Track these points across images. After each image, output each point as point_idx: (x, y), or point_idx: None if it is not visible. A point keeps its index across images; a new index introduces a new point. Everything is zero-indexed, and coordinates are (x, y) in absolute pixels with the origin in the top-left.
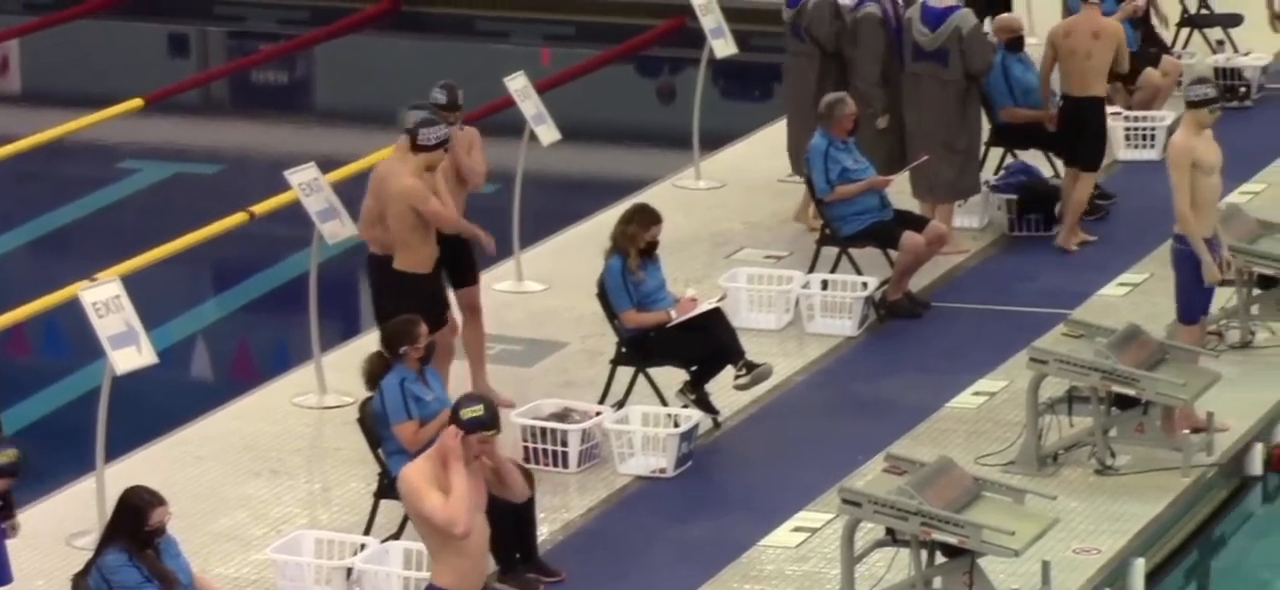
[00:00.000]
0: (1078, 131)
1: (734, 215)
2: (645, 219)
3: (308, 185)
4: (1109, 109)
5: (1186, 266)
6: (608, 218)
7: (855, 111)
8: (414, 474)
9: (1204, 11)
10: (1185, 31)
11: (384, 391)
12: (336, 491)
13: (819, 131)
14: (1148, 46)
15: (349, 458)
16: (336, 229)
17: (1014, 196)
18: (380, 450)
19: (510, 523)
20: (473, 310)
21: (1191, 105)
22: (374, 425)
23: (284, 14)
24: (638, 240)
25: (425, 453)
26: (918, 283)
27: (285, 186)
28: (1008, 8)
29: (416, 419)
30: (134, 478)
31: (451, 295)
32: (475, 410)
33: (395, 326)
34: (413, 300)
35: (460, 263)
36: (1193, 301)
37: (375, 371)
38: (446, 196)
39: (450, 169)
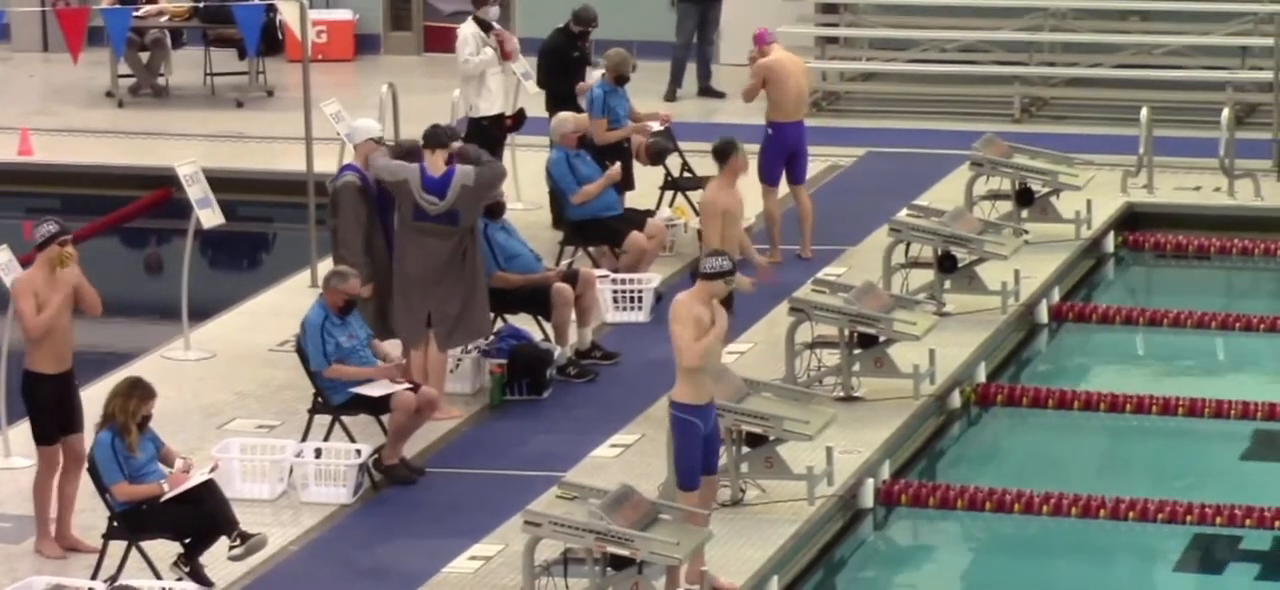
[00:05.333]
0: None
1: (224, 385)
2: (144, 393)
3: None
4: (597, 272)
5: (682, 433)
6: (97, 391)
7: (350, 288)
8: None
9: (687, 175)
10: (669, 194)
11: None
12: None
13: (317, 303)
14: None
15: None
16: None
17: (504, 361)
18: None
19: None
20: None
21: (706, 277)
22: None
23: None
24: (138, 414)
25: None
26: (412, 448)
27: None
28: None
29: None
30: None
31: None
32: None
33: None
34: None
35: None
36: (691, 466)
37: None
38: None
39: None
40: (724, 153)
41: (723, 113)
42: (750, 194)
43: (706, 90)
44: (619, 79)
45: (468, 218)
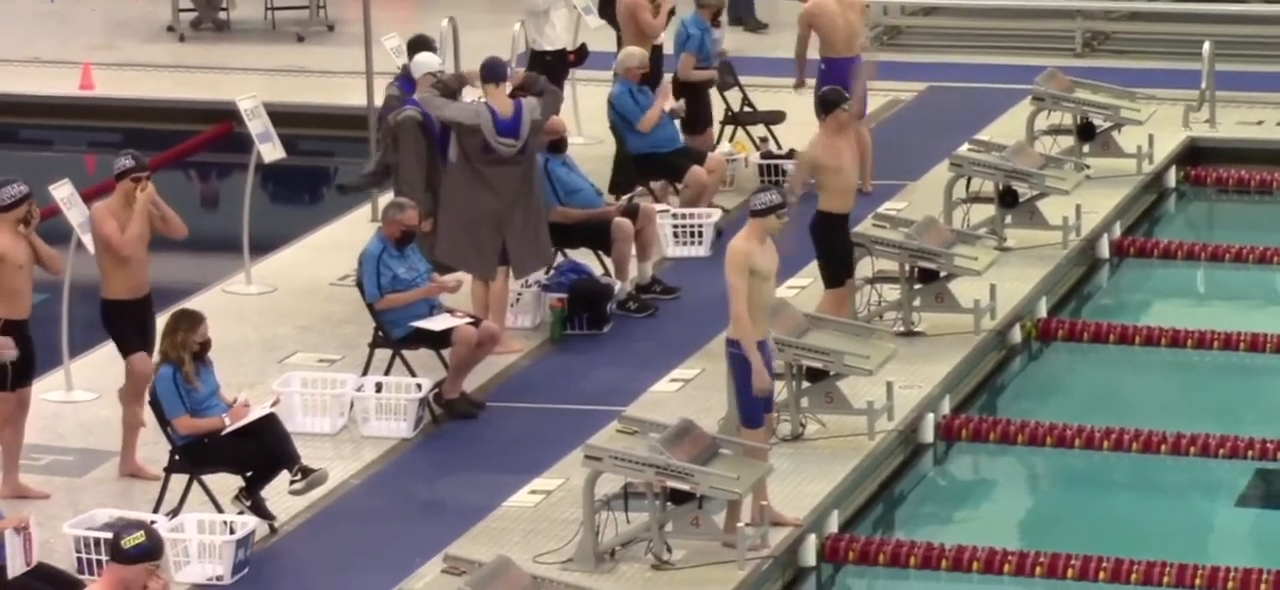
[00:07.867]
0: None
1: (285, 319)
2: (190, 323)
3: None
4: (657, 207)
5: (743, 370)
6: (159, 324)
7: (408, 220)
8: None
9: (747, 109)
10: (729, 129)
11: None
12: None
13: (375, 235)
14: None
15: None
16: None
17: (565, 295)
18: None
19: None
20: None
21: (756, 214)
22: None
23: None
24: (189, 345)
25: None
26: (472, 383)
27: None
28: None
29: None
30: None
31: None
32: (136, 538)
33: None
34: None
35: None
36: (753, 405)
37: None
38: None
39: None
40: (827, 104)
41: (783, 48)
42: (810, 130)
43: (739, 21)
44: (715, 16)
45: (534, 146)
